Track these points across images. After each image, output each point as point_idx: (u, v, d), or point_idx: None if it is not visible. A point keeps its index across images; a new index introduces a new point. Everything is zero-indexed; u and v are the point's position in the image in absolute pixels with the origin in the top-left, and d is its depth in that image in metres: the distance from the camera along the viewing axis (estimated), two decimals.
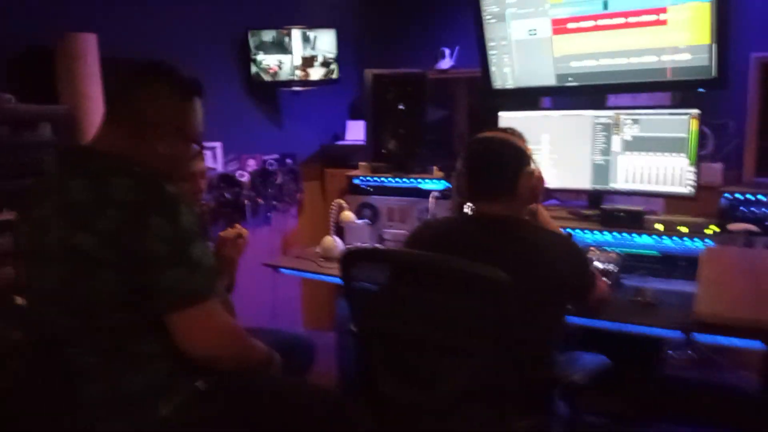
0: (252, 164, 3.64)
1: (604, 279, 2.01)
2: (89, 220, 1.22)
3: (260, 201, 3.65)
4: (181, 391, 1.31)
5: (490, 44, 2.87)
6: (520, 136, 1.69)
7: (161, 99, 1.36)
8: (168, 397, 1.29)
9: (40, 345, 1.33)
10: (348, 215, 2.69)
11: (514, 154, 1.62)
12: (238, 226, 1.94)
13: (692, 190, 2.32)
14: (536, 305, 1.52)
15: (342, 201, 2.73)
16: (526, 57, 2.82)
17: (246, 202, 3.53)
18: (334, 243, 2.63)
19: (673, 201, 2.51)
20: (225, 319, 1.34)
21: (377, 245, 2.71)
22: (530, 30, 2.76)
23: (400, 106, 2.82)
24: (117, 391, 1.28)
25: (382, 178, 2.87)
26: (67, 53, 2.52)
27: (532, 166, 1.64)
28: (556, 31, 2.70)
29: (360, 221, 2.71)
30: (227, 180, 3.47)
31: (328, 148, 3.98)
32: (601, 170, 2.50)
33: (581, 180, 2.55)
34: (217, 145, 3.44)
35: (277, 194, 3.73)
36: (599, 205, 2.50)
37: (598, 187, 2.52)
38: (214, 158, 3.41)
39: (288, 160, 3.79)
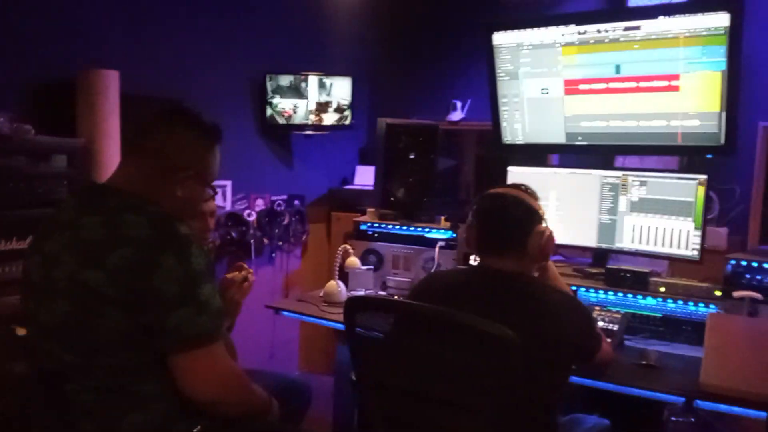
0: (260, 204, 3.67)
1: (608, 340, 2.00)
2: (100, 257, 1.23)
3: (266, 241, 3.67)
4: None
5: (502, 100, 2.93)
6: (533, 194, 1.71)
7: (185, 144, 1.39)
8: None
9: (40, 379, 1.32)
10: (353, 261, 2.70)
11: (526, 212, 1.64)
12: (244, 266, 1.93)
13: (697, 253, 2.33)
14: (541, 365, 1.51)
15: (348, 246, 2.74)
16: (538, 114, 2.87)
17: (252, 241, 3.55)
18: (337, 288, 2.63)
19: (677, 263, 2.51)
20: (228, 362, 1.33)
21: (381, 292, 2.71)
22: (543, 89, 2.82)
23: (411, 156, 2.85)
24: (113, 430, 1.26)
25: (389, 225, 2.88)
26: (88, 88, 2.58)
27: (544, 225, 1.65)
28: (568, 92, 2.76)
29: (364, 267, 2.71)
30: (234, 219, 3.50)
31: (336, 192, 4.02)
32: (608, 229, 2.51)
33: (587, 238, 2.56)
34: (227, 183, 3.49)
35: (283, 235, 3.76)
36: (604, 264, 2.51)
37: (604, 245, 2.53)
38: (223, 197, 3.45)
39: (296, 202, 3.83)
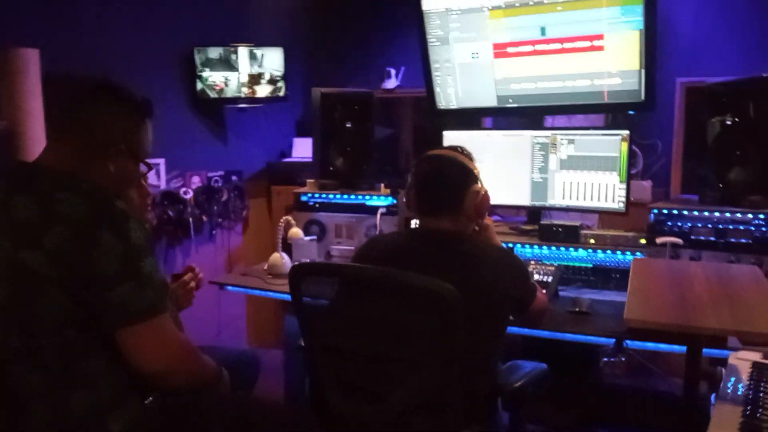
0: (196, 181, 3.62)
1: (543, 291, 2.11)
2: (35, 237, 1.22)
3: (204, 218, 3.63)
4: (130, 409, 1.31)
5: (434, 66, 2.98)
6: (468, 155, 1.77)
7: (114, 119, 1.37)
8: (117, 415, 1.29)
9: None
10: (296, 232, 2.72)
11: (461, 173, 1.70)
12: (194, 269, 1.93)
13: (623, 206, 2.47)
14: (480, 317, 1.59)
15: (290, 218, 2.76)
16: (469, 79, 2.94)
17: (190, 219, 3.51)
18: (281, 260, 2.65)
19: (606, 216, 2.66)
20: (176, 335, 1.35)
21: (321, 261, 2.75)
22: (473, 53, 2.89)
23: (348, 125, 2.88)
24: (63, 411, 1.27)
25: (330, 195, 2.91)
26: (7, 68, 2.48)
27: (479, 184, 1.72)
28: (497, 55, 2.84)
29: (307, 238, 2.74)
30: (170, 197, 3.45)
31: (275, 165, 4.00)
32: (540, 187, 2.63)
33: (521, 197, 2.67)
34: (161, 161, 3.42)
35: (222, 211, 3.72)
36: (538, 221, 2.62)
37: (537, 203, 2.65)
38: (157, 175, 3.38)
39: (233, 177, 3.80)
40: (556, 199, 2.61)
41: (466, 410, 1.51)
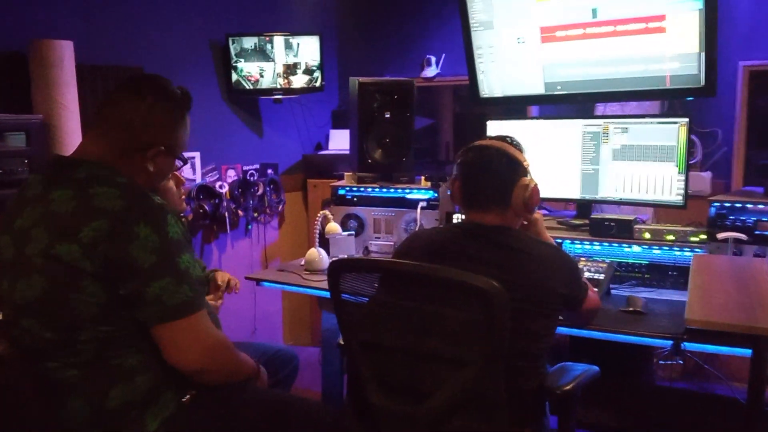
0: (232, 175, 3.67)
1: (594, 289, 2.08)
2: (72, 230, 1.25)
3: (240, 213, 3.68)
4: (168, 405, 1.34)
5: (477, 52, 2.95)
6: (518, 145, 1.74)
7: (154, 116, 1.39)
8: (154, 411, 1.32)
9: (22, 359, 1.34)
10: (333, 227, 2.73)
11: (509, 165, 1.67)
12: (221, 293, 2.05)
13: (682, 199, 2.40)
14: (527, 315, 1.58)
15: (327, 212, 2.77)
16: (515, 65, 2.90)
17: (225, 214, 3.56)
18: (318, 255, 2.67)
19: (662, 210, 2.59)
20: (213, 331, 1.37)
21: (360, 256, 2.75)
22: (518, 38, 2.85)
23: (387, 115, 2.87)
24: (100, 406, 1.30)
25: (368, 189, 2.91)
26: (41, 60, 2.54)
27: (528, 177, 1.69)
28: (544, 39, 2.79)
29: (345, 233, 2.75)
30: (206, 191, 3.50)
31: (311, 158, 4.02)
32: (590, 179, 2.58)
33: (570, 189, 2.63)
34: (196, 155, 3.48)
35: (257, 206, 3.77)
36: (588, 215, 2.57)
37: (587, 196, 2.60)
38: (192, 169, 3.44)
39: (269, 171, 3.84)
40: (607, 191, 2.56)
41: (512, 412, 1.50)
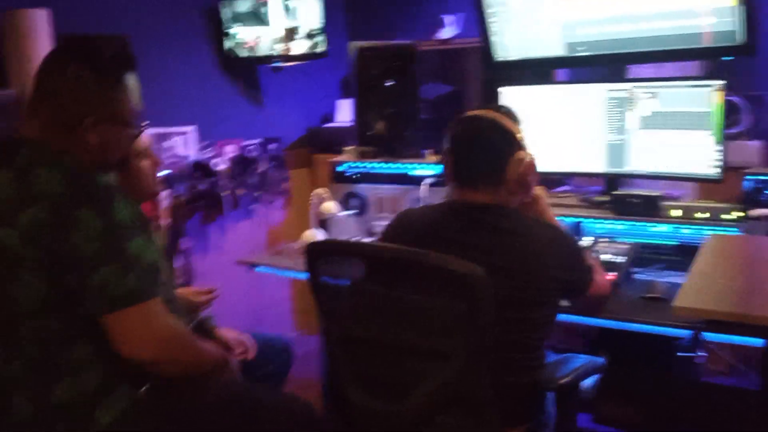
0: (230, 151, 3.69)
1: (611, 274, 2.04)
2: (11, 216, 1.27)
3: (240, 192, 3.70)
4: (121, 398, 1.37)
5: (488, 11, 2.90)
6: (513, 116, 1.71)
7: (82, 86, 1.38)
8: (106, 405, 1.35)
9: None
10: (329, 207, 2.72)
11: (502, 138, 1.65)
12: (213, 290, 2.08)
13: (718, 171, 2.33)
14: (520, 303, 1.56)
15: (323, 191, 2.76)
16: (531, 24, 2.84)
17: (223, 193, 3.59)
18: (315, 238, 2.68)
19: (700, 186, 2.52)
20: (165, 321, 1.38)
21: (367, 239, 2.75)
22: None
23: (387, 83, 2.85)
24: (45, 402, 1.33)
25: (370, 164, 2.90)
26: (14, 31, 2.58)
27: (523, 151, 1.67)
28: None
29: (344, 213, 2.75)
30: (201, 169, 3.53)
31: (316, 132, 4.01)
32: (617, 150, 2.52)
33: (595, 162, 2.58)
34: (190, 129, 3.49)
35: (259, 184, 3.78)
36: (615, 191, 2.52)
37: (613, 170, 2.55)
38: (185, 145, 3.47)
39: (271, 146, 3.84)
40: (636, 164, 2.50)
41: (503, 409, 1.49)
